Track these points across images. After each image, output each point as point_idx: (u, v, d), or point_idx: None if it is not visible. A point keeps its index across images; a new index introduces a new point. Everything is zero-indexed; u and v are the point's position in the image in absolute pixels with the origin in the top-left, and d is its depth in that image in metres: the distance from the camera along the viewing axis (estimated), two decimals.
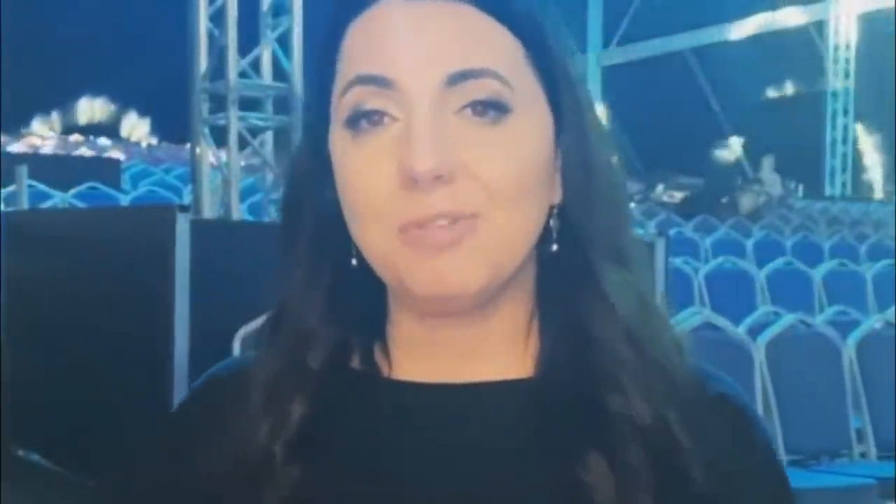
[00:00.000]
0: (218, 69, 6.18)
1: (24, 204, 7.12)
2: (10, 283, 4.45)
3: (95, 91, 20.03)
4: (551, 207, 0.90)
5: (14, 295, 4.42)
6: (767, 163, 14.26)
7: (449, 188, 0.83)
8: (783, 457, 4.37)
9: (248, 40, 6.32)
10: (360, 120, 0.86)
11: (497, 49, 0.87)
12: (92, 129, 18.60)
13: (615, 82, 20.63)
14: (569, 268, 0.90)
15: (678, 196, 14.97)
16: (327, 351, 0.91)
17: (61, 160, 13.06)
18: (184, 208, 3.76)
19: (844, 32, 20.14)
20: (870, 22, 19.71)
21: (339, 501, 0.89)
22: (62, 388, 4.06)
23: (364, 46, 0.87)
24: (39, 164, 9.11)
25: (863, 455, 4.74)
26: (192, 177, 6.50)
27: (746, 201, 12.53)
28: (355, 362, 0.93)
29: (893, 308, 5.54)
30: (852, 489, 4.21)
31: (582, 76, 0.93)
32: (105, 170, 10.60)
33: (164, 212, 3.76)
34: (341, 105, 0.87)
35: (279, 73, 6.35)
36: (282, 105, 6.35)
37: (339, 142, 0.87)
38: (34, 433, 4.25)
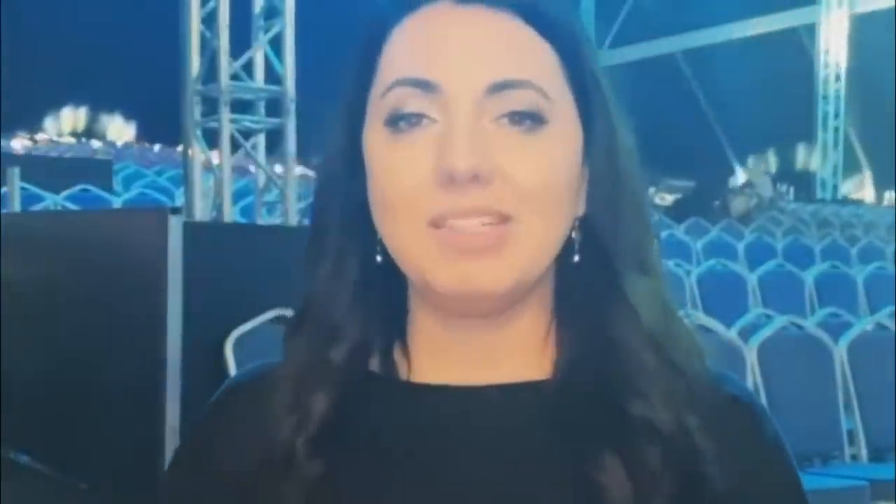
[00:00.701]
0: (210, 72, 6.17)
1: (16, 206, 7.11)
2: (2, 286, 4.44)
3: (91, 92, 20.02)
4: (575, 220, 0.91)
5: (6, 297, 4.42)
6: (758, 165, 14.28)
7: (485, 190, 0.85)
8: None
9: (241, 43, 6.32)
10: (400, 121, 0.88)
11: (537, 61, 0.89)
12: (84, 132, 18.59)
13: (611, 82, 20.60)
14: (592, 277, 0.91)
15: (669, 199, 14.99)
16: (350, 346, 0.93)
17: (53, 162, 13.04)
18: (176, 211, 3.76)
19: (835, 35, 20.17)
20: (861, 25, 19.75)
21: (359, 500, 0.90)
22: (54, 390, 4.06)
23: (408, 49, 0.89)
24: (31, 166, 9.10)
25: (854, 457, 4.75)
26: (185, 179, 6.49)
27: (738, 204, 12.55)
28: (375, 364, 0.94)
29: (884, 310, 5.56)
30: (844, 491, 4.22)
31: (613, 91, 0.94)
32: (97, 172, 10.58)
33: (156, 214, 3.75)
34: (381, 104, 0.89)
35: (271, 75, 6.35)
36: (274, 107, 6.34)
37: (377, 140, 0.89)
38: (25, 435, 4.25)
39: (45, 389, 4.15)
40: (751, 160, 14.43)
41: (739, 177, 16.84)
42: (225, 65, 6.11)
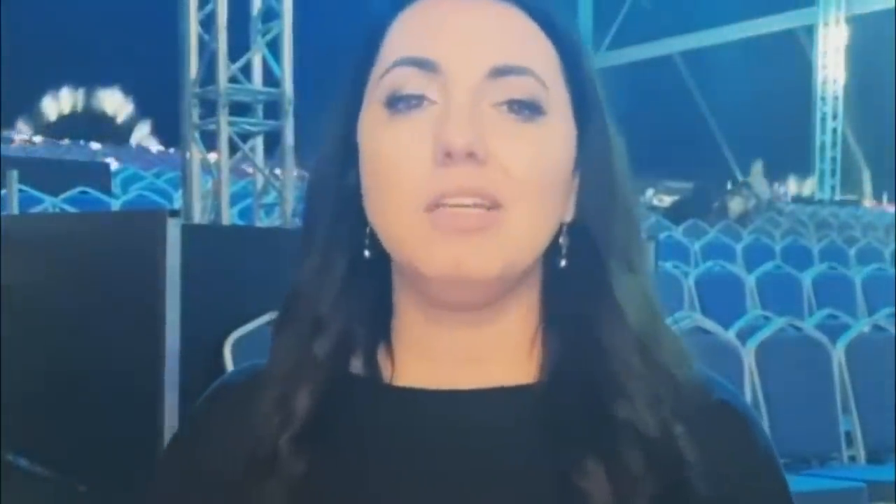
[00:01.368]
0: (208, 74, 6.17)
1: (15, 208, 7.11)
2: (1, 288, 4.44)
3: (88, 93, 20.00)
4: (562, 224, 0.91)
5: (4, 299, 4.42)
6: (757, 167, 14.29)
7: (480, 169, 0.85)
8: None
9: (239, 45, 6.32)
10: (399, 102, 0.88)
11: (539, 53, 0.90)
12: (82, 134, 18.58)
13: (604, 86, 20.63)
14: (580, 280, 0.91)
15: (667, 200, 15.00)
16: (334, 341, 0.92)
17: (51, 164, 13.03)
18: (174, 213, 3.75)
19: (833, 36, 20.18)
20: (859, 26, 19.76)
21: (341, 500, 0.90)
22: (52, 392, 4.06)
23: (409, 32, 0.90)
24: (30, 169, 9.09)
25: (852, 458, 4.74)
26: (183, 181, 6.49)
27: (736, 205, 12.55)
28: (358, 366, 0.94)
29: (883, 311, 5.56)
30: (842, 492, 4.22)
31: (607, 98, 0.95)
32: (95, 174, 10.57)
33: (154, 217, 3.75)
34: (380, 85, 0.89)
35: (269, 78, 6.35)
36: (272, 110, 6.35)
37: (374, 122, 0.89)
38: (24, 437, 4.25)
39: (43, 391, 4.15)
40: (753, 163, 14.40)
41: (737, 178, 16.86)
42: (223, 67, 6.12)
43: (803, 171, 20.88)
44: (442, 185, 0.85)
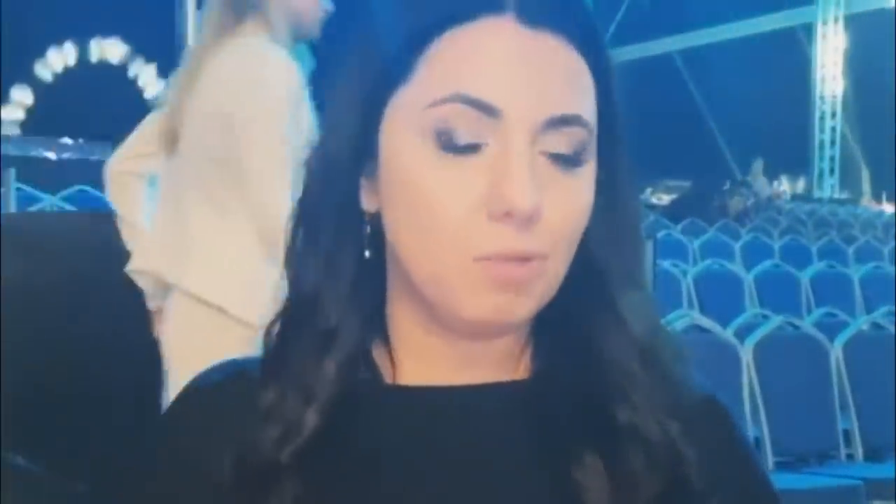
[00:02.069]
0: None
1: (12, 207, 7.10)
2: (1, 286, 4.44)
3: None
4: None
5: (4, 298, 4.41)
6: (757, 166, 14.29)
7: (534, 228, 0.83)
8: (770, 459, 4.38)
9: None
10: (455, 144, 0.83)
11: (587, 95, 0.86)
12: (80, 132, 18.56)
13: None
14: (580, 292, 0.90)
15: (666, 199, 14.99)
16: (346, 353, 0.89)
17: (50, 163, 13.01)
18: None
19: (832, 35, 20.19)
20: (858, 24, 19.77)
21: (351, 498, 0.88)
22: (50, 391, 4.06)
23: (467, 64, 0.84)
24: (28, 167, 9.08)
25: (850, 456, 4.75)
26: None
27: (735, 204, 12.55)
28: (360, 367, 0.91)
29: (881, 310, 5.57)
30: (840, 490, 4.22)
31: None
32: (95, 172, 10.56)
33: None
34: (428, 115, 0.83)
35: None
36: None
37: (418, 153, 0.84)
38: (20, 435, 4.24)
39: (40, 390, 4.15)
40: (753, 162, 14.41)
41: (736, 176, 16.85)
42: None
43: (802, 169, 20.88)
44: (497, 243, 0.82)
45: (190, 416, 0.93)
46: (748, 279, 7.48)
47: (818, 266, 8.18)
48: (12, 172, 7.31)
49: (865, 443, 4.76)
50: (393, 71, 0.86)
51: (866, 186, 21.57)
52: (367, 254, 0.89)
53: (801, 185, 20.69)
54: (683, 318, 4.76)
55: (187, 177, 2.75)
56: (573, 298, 0.90)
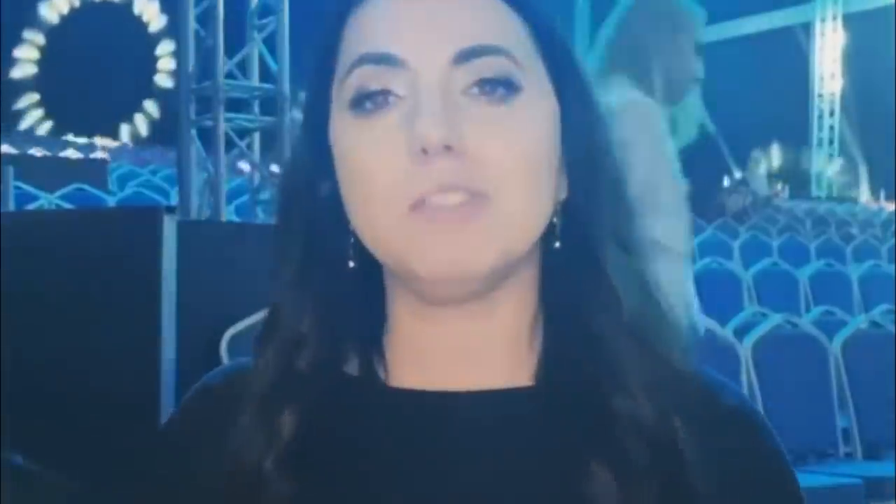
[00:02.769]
0: (205, 70, 6.16)
1: (10, 205, 7.10)
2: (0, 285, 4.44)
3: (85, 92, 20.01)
4: (557, 203, 0.88)
5: (1, 296, 4.41)
6: (755, 164, 14.29)
7: (459, 162, 0.82)
8: None
9: (235, 41, 6.31)
10: (365, 101, 0.84)
11: (507, 29, 0.86)
12: (79, 130, 18.57)
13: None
14: (573, 264, 0.88)
15: None
16: (320, 356, 0.88)
17: (48, 161, 13.02)
18: (170, 210, 3.75)
19: (831, 34, 20.19)
20: (856, 23, 19.77)
21: None
22: (48, 389, 4.05)
23: (367, 28, 0.86)
24: (26, 165, 9.08)
25: (849, 455, 4.75)
26: (179, 178, 6.48)
27: (733, 202, 12.54)
28: (351, 368, 0.90)
29: (879, 308, 5.57)
30: (839, 488, 4.22)
31: (586, 65, 0.91)
32: (92, 171, 10.56)
33: (151, 213, 3.75)
34: (344, 88, 0.85)
35: (266, 74, 6.34)
36: (269, 106, 6.33)
37: (343, 125, 0.85)
38: (18, 435, 4.24)
39: (39, 388, 4.14)
40: (751, 160, 14.43)
41: (734, 174, 16.86)
42: (220, 63, 6.11)
43: (801, 167, 20.88)
44: (421, 183, 0.82)
45: (193, 419, 0.94)
46: (746, 277, 7.48)
47: (816, 264, 8.17)
48: (10, 171, 7.30)
49: (864, 441, 4.75)
50: (325, 69, 0.87)
51: (864, 185, 21.57)
52: (351, 264, 0.88)
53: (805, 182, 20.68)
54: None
55: None
56: (568, 273, 0.88)
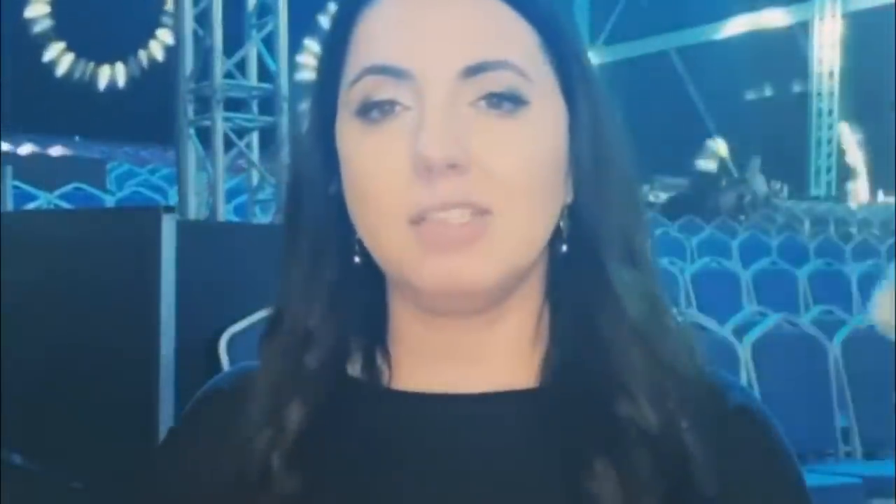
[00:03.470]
0: (203, 70, 6.16)
1: (9, 205, 7.10)
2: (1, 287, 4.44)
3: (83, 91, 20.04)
4: (563, 207, 0.87)
5: (4, 298, 4.41)
6: (754, 164, 14.29)
7: (463, 179, 0.81)
8: None
9: (234, 41, 6.31)
10: (371, 110, 0.84)
11: (514, 39, 0.85)
12: (78, 130, 18.58)
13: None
14: (580, 268, 0.87)
15: (663, 196, 14.99)
16: (326, 353, 0.88)
17: (46, 160, 13.02)
18: (169, 209, 3.75)
19: (829, 33, 20.19)
20: (854, 22, 19.77)
21: None
22: (47, 389, 4.05)
23: (376, 36, 0.85)
24: (24, 165, 9.08)
25: (849, 454, 4.75)
26: (178, 178, 6.48)
27: (726, 200, 12.53)
28: (355, 369, 0.90)
29: None
30: (839, 488, 4.22)
31: (596, 70, 0.90)
32: (90, 170, 10.56)
33: (150, 213, 3.74)
34: (351, 94, 0.85)
35: (264, 73, 6.34)
36: (267, 106, 6.34)
37: (349, 132, 0.85)
38: (18, 434, 4.24)
39: (38, 387, 4.14)
40: (750, 159, 14.40)
41: (733, 174, 16.86)
42: (218, 63, 6.11)
43: (799, 167, 20.88)
44: (424, 200, 0.81)
45: (201, 421, 0.94)
46: (746, 277, 7.48)
47: (815, 264, 8.18)
48: (9, 170, 7.30)
49: (864, 441, 4.75)
50: (332, 67, 0.87)
51: (863, 183, 21.57)
52: (356, 259, 0.88)
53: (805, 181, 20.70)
54: (681, 315, 4.74)
55: None
56: (575, 278, 0.87)
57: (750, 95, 20.73)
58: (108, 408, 3.71)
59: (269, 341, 0.90)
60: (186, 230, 3.80)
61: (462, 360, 0.89)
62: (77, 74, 19.31)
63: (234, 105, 6.30)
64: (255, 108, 6.37)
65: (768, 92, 20.74)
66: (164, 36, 19.29)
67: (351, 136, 0.85)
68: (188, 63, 6.18)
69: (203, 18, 6.17)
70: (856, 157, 21.20)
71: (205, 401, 0.95)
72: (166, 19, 18.58)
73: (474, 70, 0.83)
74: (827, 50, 20.15)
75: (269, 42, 6.34)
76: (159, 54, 19.69)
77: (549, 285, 0.90)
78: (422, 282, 0.83)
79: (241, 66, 6.32)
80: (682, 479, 0.85)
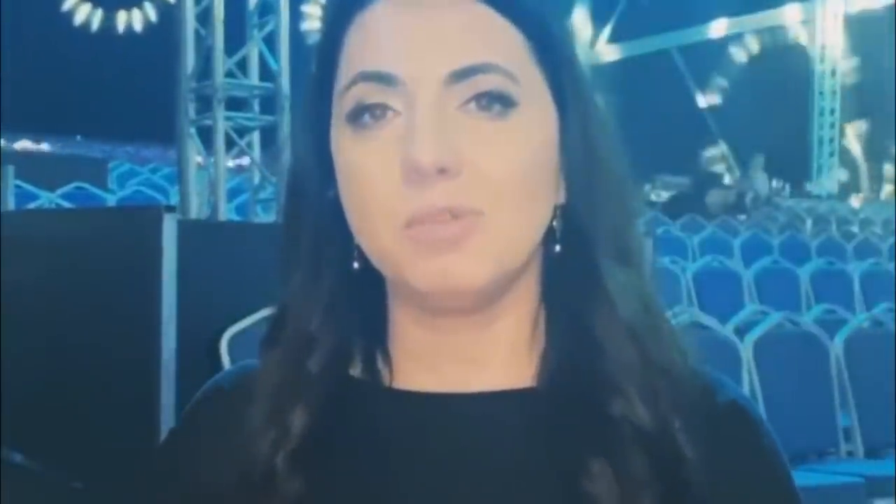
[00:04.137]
0: (205, 69, 6.16)
1: (10, 204, 7.10)
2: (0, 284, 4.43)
3: (83, 90, 20.05)
4: (556, 207, 0.88)
5: (0, 295, 4.40)
6: (757, 161, 14.28)
7: (454, 183, 0.82)
8: None
9: (235, 40, 6.31)
10: (363, 114, 0.85)
11: (501, 43, 0.86)
12: (80, 129, 18.59)
13: (602, 80, 20.62)
14: (573, 268, 0.88)
15: (665, 195, 14.99)
16: (328, 356, 0.89)
17: (47, 160, 13.02)
18: (170, 209, 3.75)
19: (831, 32, 20.18)
20: (856, 21, 19.76)
21: None
22: (47, 388, 4.05)
23: (366, 43, 0.86)
24: (26, 164, 9.08)
25: (850, 453, 4.74)
26: (179, 177, 6.48)
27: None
28: (356, 370, 0.91)
29: (881, 306, 5.56)
30: (840, 487, 4.22)
31: (586, 69, 0.91)
32: (91, 170, 10.56)
33: (151, 212, 3.74)
34: (343, 101, 0.86)
35: (266, 72, 6.34)
36: (269, 105, 6.34)
37: (342, 137, 0.86)
38: (19, 433, 4.24)
39: (39, 387, 4.14)
40: (753, 158, 14.39)
41: (735, 172, 16.87)
42: (219, 62, 6.11)
43: (801, 165, 20.87)
44: (415, 205, 0.82)
45: (202, 421, 0.95)
46: (747, 276, 7.48)
47: (817, 263, 8.17)
48: (11, 170, 7.30)
49: (866, 440, 4.75)
50: (325, 73, 0.88)
51: (865, 183, 21.56)
52: (355, 265, 0.89)
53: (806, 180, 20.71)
54: (683, 314, 4.75)
55: None
56: (568, 277, 0.88)
57: (751, 94, 20.70)
58: (109, 407, 3.70)
59: (270, 346, 0.91)
60: (188, 229, 3.80)
61: (460, 361, 0.90)
62: (95, 24, 19.45)
63: (235, 104, 6.30)
64: (256, 107, 6.37)
65: (770, 91, 20.70)
66: None
67: (344, 142, 0.86)
68: (189, 62, 6.18)
69: (204, 17, 6.17)
70: (858, 155, 21.19)
71: (205, 400, 0.96)
72: None
73: (462, 74, 0.84)
74: (829, 49, 20.14)
75: (270, 41, 6.34)
76: None
77: (544, 286, 0.90)
78: (416, 282, 0.84)
79: (243, 66, 6.32)
80: (676, 478, 0.86)
